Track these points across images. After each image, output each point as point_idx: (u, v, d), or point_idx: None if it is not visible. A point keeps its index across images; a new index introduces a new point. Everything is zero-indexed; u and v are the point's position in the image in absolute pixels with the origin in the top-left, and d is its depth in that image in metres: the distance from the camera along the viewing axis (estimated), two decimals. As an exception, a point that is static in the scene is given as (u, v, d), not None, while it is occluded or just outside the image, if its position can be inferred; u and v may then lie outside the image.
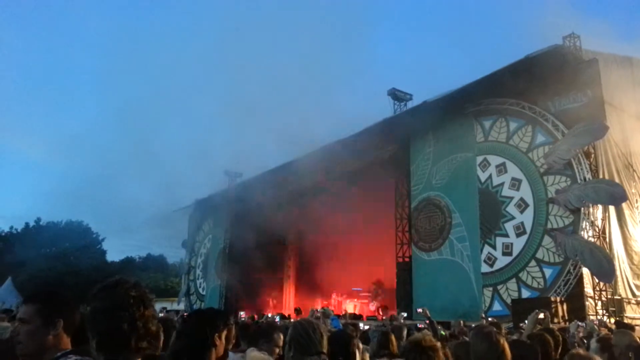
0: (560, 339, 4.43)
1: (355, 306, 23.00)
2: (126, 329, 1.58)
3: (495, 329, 3.23)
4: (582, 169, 13.97)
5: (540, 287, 14.18)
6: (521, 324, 8.94)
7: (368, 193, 20.44)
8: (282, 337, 3.39)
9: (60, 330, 2.11)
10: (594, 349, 4.36)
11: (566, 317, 12.17)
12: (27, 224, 47.89)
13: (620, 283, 13.44)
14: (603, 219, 13.76)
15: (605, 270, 12.95)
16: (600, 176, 13.91)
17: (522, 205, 15.16)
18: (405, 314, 14.93)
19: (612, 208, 13.87)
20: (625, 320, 11.69)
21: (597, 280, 13.38)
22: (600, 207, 13.82)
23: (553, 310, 11.87)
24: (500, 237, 15.48)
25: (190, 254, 31.83)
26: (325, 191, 21.28)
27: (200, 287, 29.96)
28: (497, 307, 14.92)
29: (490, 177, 16.18)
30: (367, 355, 3.73)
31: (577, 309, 12.78)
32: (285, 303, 27.27)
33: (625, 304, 13.34)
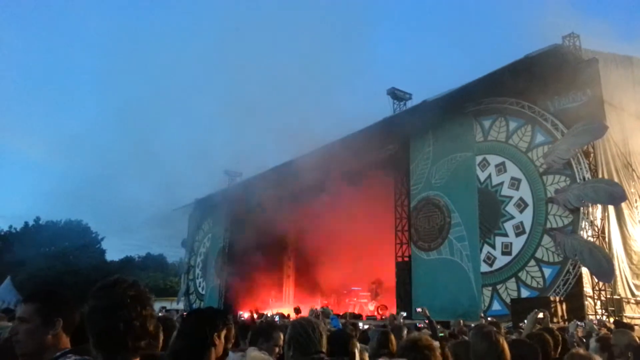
0: (560, 338, 4.43)
1: (354, 306, 23.00)
2: (123, 328, 1.58)
3: (494, 329, 3.23)
4: (581, 169, 13.97)
5: (539, 286, 14.18)
6: (520, 324, 8.95)
7: (367, 192, 20.43)
8: (282, 336, 3.39)
9: (59, 330, 2.11)
10: (594, 349, 4.37)
11: (565, 317, 12.18)
12: (26, 223, 47.88)
13: (619, 283, 13.45)
14: (602, 219, 13.76)
15: (604, 270, 12.96)
16: (600, 176, 13.91)
17: (521, 205, 15.16)
18: (404, 314, 14.90)
19: (611, 208, 13.88)
20: (625, 320, 11.71)
21: (596, 280, 13.38)
22: (599, 206, 13.82)
23: (552, 309, 11.87)
24: (500, 237, 15.48)
25: (189, 253, 31.83)
26: (324, 190, 21.27)
27: (199, 286, 29.96)
28: (496, 306, 14.93)
29: (489, 176, 16.19)
30: (366, 355, 3.73)
31: (577, 308, 12.79)
32: (285, 302, 27.26)
33: (624, 303, 13.34)
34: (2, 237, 46.21)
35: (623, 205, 14.00)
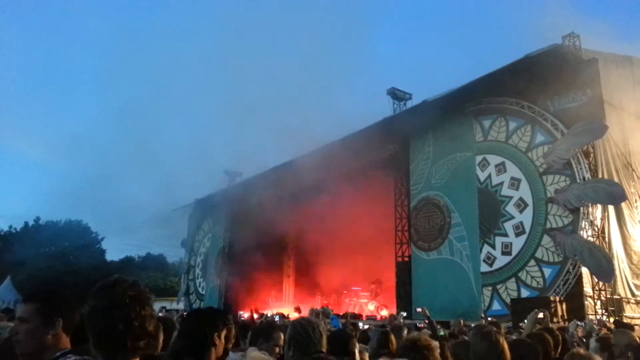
0: (560, 338, 4.43)
1: (354, 306, 23.00)
2: (122, 328, 1.57)
3: (494, 329, 3.23)
4: (581, 169, 13.97)
5: (539, 286, 14.18)
6: (520, 324, 8.95)
7: (367, 192, 20.43)
8: (282, 336, 3.39)
9: (59, 330, 2.11)
10: (594, 349, 4.37)
11: (565, 317, 12.18)
12: (26, 223, 47.87)
13: (619, 282, 13.45)
14: (602, 219, 13.76)
15: (604, 270, 12.96)
16: (600, 176, 13.91)
17: (521, 205, 15.16)
18: (404, 314, 14.91)
19: (611, 207, 13.88)
20: (625, 320, 11.71)
21: (596, 280, 13.38)
22: (599, 206, 13.82)
23: (552, 309, 11.87)
24: (500, 237, 15.48)
25: (189, 253, 31.83)
26: (324, 190, 21.27)
27: (199, 286, 29.96)
28: (496, 306, 14.93)
29: (489, 176, 16.19)
30: (366, 355, 3.73)
31: (577, 308, 12.79)
32: (285, 302, 27.26)
33: (624, 303, 13.35)
34: (2, 237, 46.21)
35: (623, 205, 14.00)
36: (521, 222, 15.03)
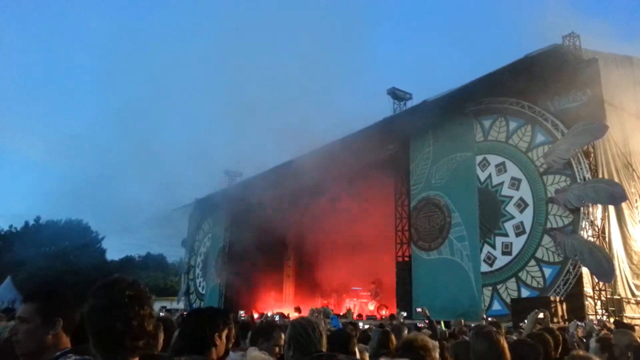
0: (560, 338, 4.43)
1: (354, 305, 23.01)
2: (121, 327, 1.57)
3: (494, 329, 3.23)
4: (581, 169, 13.97)
5: (539, 286, 14.18)
6: (521, 324, 8.94)
7: (367, 192, 20.44)
8: (282, 336, 3.39)
9: (59, 330, 2.10)
10: (594, 349, 4.37)
11: (566, 317, 12.17)
12: (26, 223, 47.87)
13: (619, 283, 13.45)
14: (602, 219, 13.76)
15: (604, 270, 12.95)
16: (600, 176, 13.91)
17: (521, 205, 15.16)
18: (405, 313, 14.92)
19: (611, 208, 13.88)
20: (625, 320, 11.70)
21: (596, 280, 13.38)
22: (599, 206, 13.82)
23: (552, 309, 11.86)
24: (500, 237, 15.48)
25: (189, 253, 31.83)
26: (324, 190, 21.28)
27: (199, 286, 29.96)
28: (496, 306, 14.93)
29: (489, 176, 16.18)
30: (366, 355, 3.73)
31: (577, 308, 12.79)
32: (285, 302, 27.27)
33: (624, 303, 13.34)
34: (3, 237, 46.22)
35: (623, 205, 13.99)
36: (521, 222, 15.03)
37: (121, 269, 43.48)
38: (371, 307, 22.01)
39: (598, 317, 12.52)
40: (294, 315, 19.12)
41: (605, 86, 14.03)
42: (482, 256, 15.76)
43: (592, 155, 14.01)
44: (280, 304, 26.34)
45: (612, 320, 11.91)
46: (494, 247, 15.56)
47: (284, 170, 21.97)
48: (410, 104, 20.56)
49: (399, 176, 19.50)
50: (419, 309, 10.66)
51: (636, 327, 9.14)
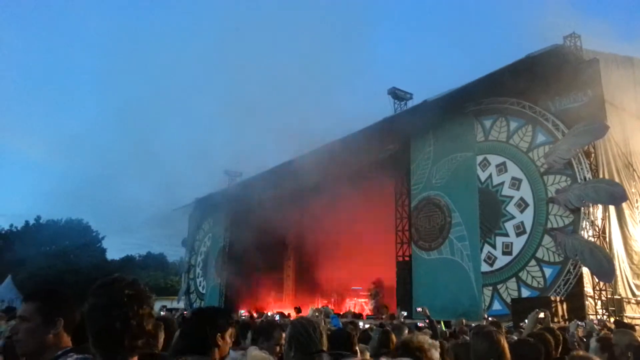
0: (561, 338, 4.43)
1: (354, 305, 23.01)
2: (120, 327, 1.57)
3: (495, 329, 3.22)
4: (582, 169, 13.96)
5: (540, 286, 14.17)
6: (521, 324, 8.94)
7: (368, 192, 20.42)
8: (283, 335, 3.39)
9: (60, 329, 2.11)
10: (594, 349, 4.36)
11: (566, 317, 12.17)
12: (27, 222, 47.90)
13: (620, 283, 13.45)
14: (603, 219, 13.76)
15: (605, 270, 12.95)
16: (601, 176, 13.91)
17: (522, 205, 15.16)
18: (405, 313, 14.93)
19: (612, 208, 13.87)
20: (625, 320, 11.69)
21: (597, 280, 13.38)
22: (600, 206, 13.82)
23: (553, 309, 11.86)
24: (500, 237, 15.48)
25: (190, 252, 31.85)
26: (325, 190, 21.27)
27: (200, 285, 29.97)
28: (496, 306, 14.92)
29: (490, 176, 16.18)
30: (367, 354, 3.73)
31: (577, 308, 12.79)
32: (285, 302, 27.27)
33: (625, 303, 13.34)
34: (3, 236, 46.24)
35: (624, 205, 13.99)
36: (522, 222, 15.02)
37: (122, 269, 43.49)
38: (371, 306, 22.02)
39: (598, 317, 12.52)
40: (294, 315, 19.12)
41: (606, 86, 14.02)
42: (483, 256, 15.75)
43: (592, 155, 14.00)
44: (280, 304, 26.35)
45: (612, 320, 11.90)
46: (494, 247, 15.56)
47: (283, 170, 21.96)
48: (410, 103, 20.56)
49: (399, 176, 19.50)
50: (419, 309, 10.68)
51: (636, 327, 9.14)
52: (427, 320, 7.53)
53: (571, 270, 13.61)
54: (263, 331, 3.77)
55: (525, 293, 14.38)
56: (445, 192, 17.52)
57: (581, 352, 3.35)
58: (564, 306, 12.67)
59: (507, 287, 14.89)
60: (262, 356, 1.66)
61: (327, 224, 22.06)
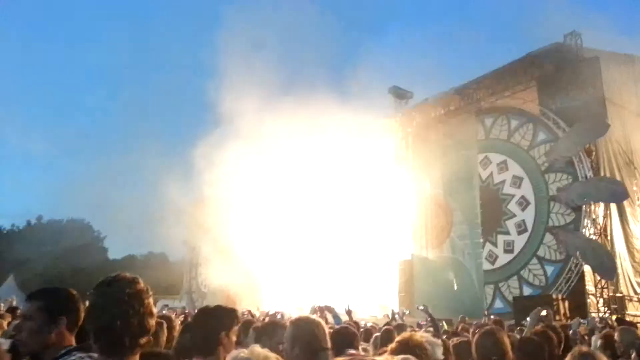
0: (563, 335, 4.43)
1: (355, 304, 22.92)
2: (119, 325, 1.57)
3: (497, 327, 3.23)
4: (583, 167, 13.95)
5: (541, 284, 14.17)
6: (523, 322, 8.93)
7: (369, 191, 20.39)
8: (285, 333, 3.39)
9: (63, 328, 2.11)
10: (596, 346, 4.36)
11: (568, 315, 12.17)
12: (28, 222, 47.93)
13: (621, 280, 13.44)
14: (604, 217, 13.74)
15: (606, 268, 12.95)
16: (602, 174, 13.89)
17: (523, 203, 15.15)
18: (407, 311, 14.90)
19: (613, 206, 13.86)
20: (627, 318, 11.67)
21: (598, 278, 13.37)
22: (601, 204, 13.80)
23: (555, 307, 11.85)
24: (502, 235, 15.47)
25: (191, 251, 31.83)
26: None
27: (202, 284, 29.98)
28: (498, 304, 14.92)
29: (491, 174, 16.17)
30: (370, 353, 3.73)
31: (579, 306, 12.77)
32: (286, 301, 27.20)
33: (626, 301, 13.33)
34: (5, 236, 46.29)
35: (625, 203, 13.98)
36: (523, 220, 15.02)
37: (123, 268, 43.40)
38: (372, 305, 21.98)
39: (600, 314, 12.51)
40: (295, 314, 19.11)
41: (606, 84, 14.02)
42: (484, 254, 15.75)
43: (593, 153, 13.99)
44: (283, 302, 26.28)
45: (614, 318, 11.89)
46: (495, 245, 15.55)
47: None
48: (411, 102, 20.56)
49: (401, 174, 19.48)
50: (420, 307, 10.65)
51: (639, 325, 9.13)
52: (429, 319, 7.51)
53: (573, 268, 13.60)
54: (266, 329, 3.77)
55: (527, 291, 14.39)
56: (446, 190, 17.52)
57: (584, 348, 3.35)
58: (566, 304, 12.66)
59: (508, 286, 14.88)
60: (265, 353, 1.66)
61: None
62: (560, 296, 12.90)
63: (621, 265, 13.54)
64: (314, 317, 2.93)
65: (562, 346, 4.23)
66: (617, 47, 15.98)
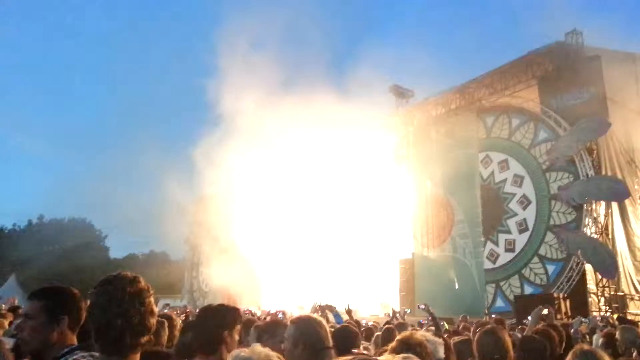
0: (564, 334, 4.43)
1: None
2: (120, 324, 1.57)
3: (499, 325, 3.23)
4: (584, 166, 13.94)
5: (543, 283, 14.17)
6: (524, 320, 8.93)
7: (370, 190, 20.39)
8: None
9: (65, 327, 2.11)
10: (598, 345, 4.36)
11: (569, 314, 12.16)
12: (30, 221, 47.96)
13: (623, 279, 13.43)
14: (606, 215, 13.74)
15: (608, 267, 12.95)
16: (603, 172, 13.88)
17: (524, 202, 15.14)
18: (408, 310, 14.91)
19: (614, 204, 13.85)
20: (628, 317, 11.66)
21: (600, 277, 13.37)
22: (603, 203, 13.80)
23: (556, 306, 11.85)
24: (503, 234, 15.47)
25: (193, 250, 31.85)
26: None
27: (203, 283, 30.00)
28: (499, 303, 14.93)
29: (492, 173, 16.16)
30: (371, 351, 3.73)
31: (580, 305, 12.77)
32: (286, 300, 27.21)
33: (628, 300, 13.33)
34: (6, 235, 46.32)
35: (626, 201, 13.97)
36: (524, 219, 15.01)
37: (125, 267, 43.54)
38: (373, 305, 21.99)
39: (602, 313, 12.50)
40: (296, 312, 19.12)
41: (607, 83, 14.00)
42: (485, 253, 15.75)
43: (595, 152, 13.99)
44: (284, 301, 26.29)
45: (615, 316, 11.88)
46: (497, 244, 15.55)
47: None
48: (412, 100, 20.55)
49: (402, 173, 19.48)
50: (421, 306, 10.65)
51: (640, 324, 9.12)
52: (430, 317, 7.52)
53: (574, 267, 13.60)
54: (267, 329, 3.77)
55: (528, 290, 14.39)
56: (447, 189, 17.52)
57: (585, 346, 3.35)
58: (567, 303, 12.66)
59: (510, 284, 14.88)
60: (266, 352, 1.66)
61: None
62: (561, 295, 12.90)
63: (622, 264, 13.53)
64: (316, 316, 2.92)
65: (564, 345, 4.24)
66: (618, 46, 15.97)
